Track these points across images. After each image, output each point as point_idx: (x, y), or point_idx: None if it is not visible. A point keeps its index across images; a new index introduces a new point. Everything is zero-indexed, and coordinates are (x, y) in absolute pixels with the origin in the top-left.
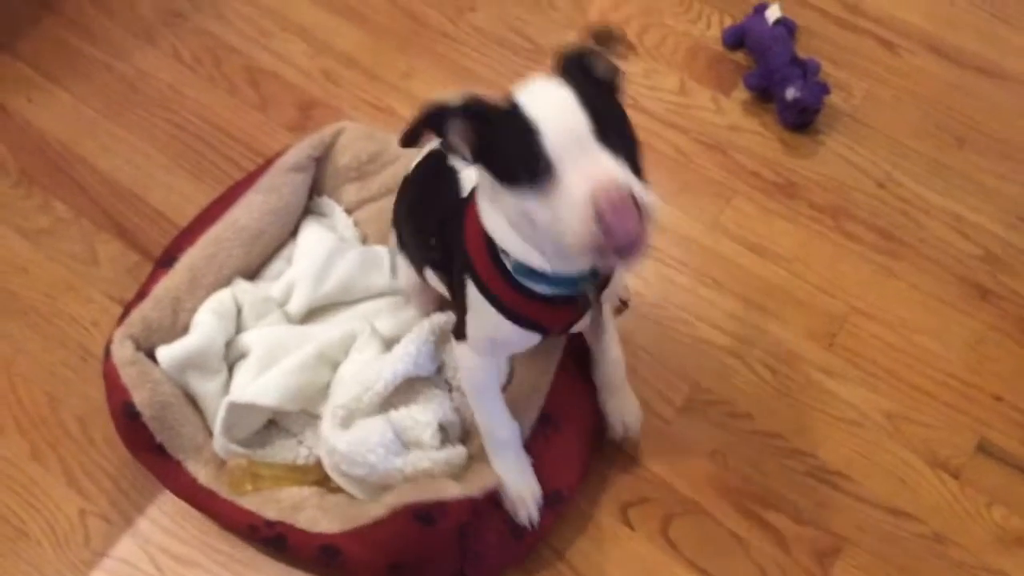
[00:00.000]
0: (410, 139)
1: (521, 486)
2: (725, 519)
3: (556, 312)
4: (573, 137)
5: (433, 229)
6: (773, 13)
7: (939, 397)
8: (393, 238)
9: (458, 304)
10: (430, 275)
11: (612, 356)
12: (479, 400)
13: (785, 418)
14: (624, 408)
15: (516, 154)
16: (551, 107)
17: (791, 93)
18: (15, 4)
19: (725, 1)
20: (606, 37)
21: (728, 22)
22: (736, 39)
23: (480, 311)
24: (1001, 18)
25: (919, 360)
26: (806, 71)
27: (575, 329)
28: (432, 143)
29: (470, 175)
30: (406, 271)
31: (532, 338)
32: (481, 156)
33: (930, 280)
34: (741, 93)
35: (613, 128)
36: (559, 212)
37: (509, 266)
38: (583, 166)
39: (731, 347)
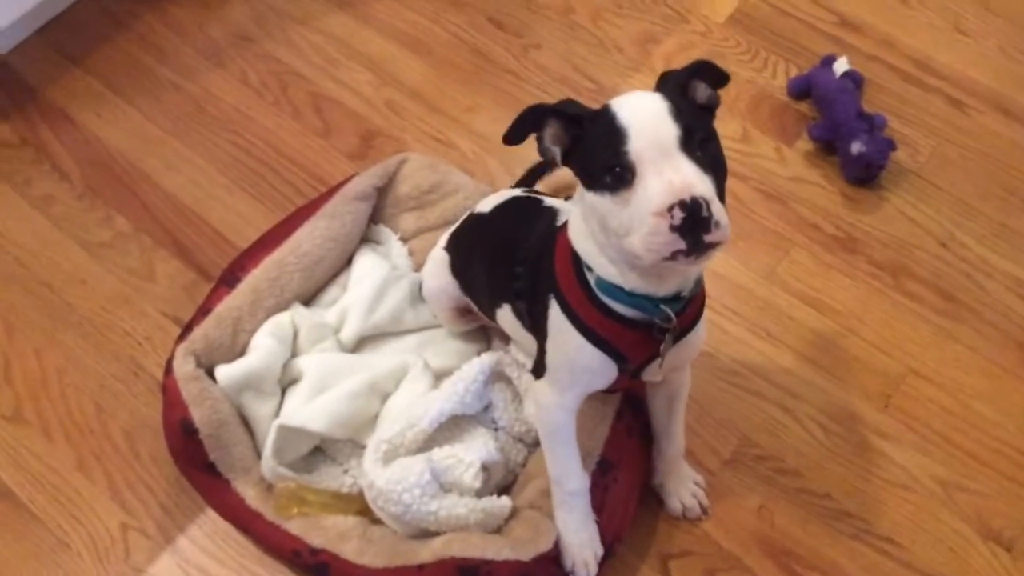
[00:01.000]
0: (513, 137)
1: (584, 544)
2: None
3: (634, 338)
4: (659, 144)
5: (521, 259)
6: (841, 66)
7: (994, 466)
8: (430, 266)
9: (539, 333)
10: (503, 315)
11: (677, 441)
12: (553, 444)
13: (835, 478)
14: (682, 488)
15: (601, 154)
16: (642, 113)
17: (856, 147)
18: (87, 20)
19: (792, 51)
20: (712, 71)
21: (794, 72)
22: (802, 90)
23: (561, 333)
24: None
25: (975, 427)
26: (872, 126)
27: (650, 376)
28: (511, 191)
29: (565, 208)
30: (433, 290)
31: (610, 369)
32: (570, 156)
33: (990, 345)
34: (804, 144)
35: (702, 146)
36: (634, 214)
37: (592, 282)
38: (665, 172)
39: (782, 402)
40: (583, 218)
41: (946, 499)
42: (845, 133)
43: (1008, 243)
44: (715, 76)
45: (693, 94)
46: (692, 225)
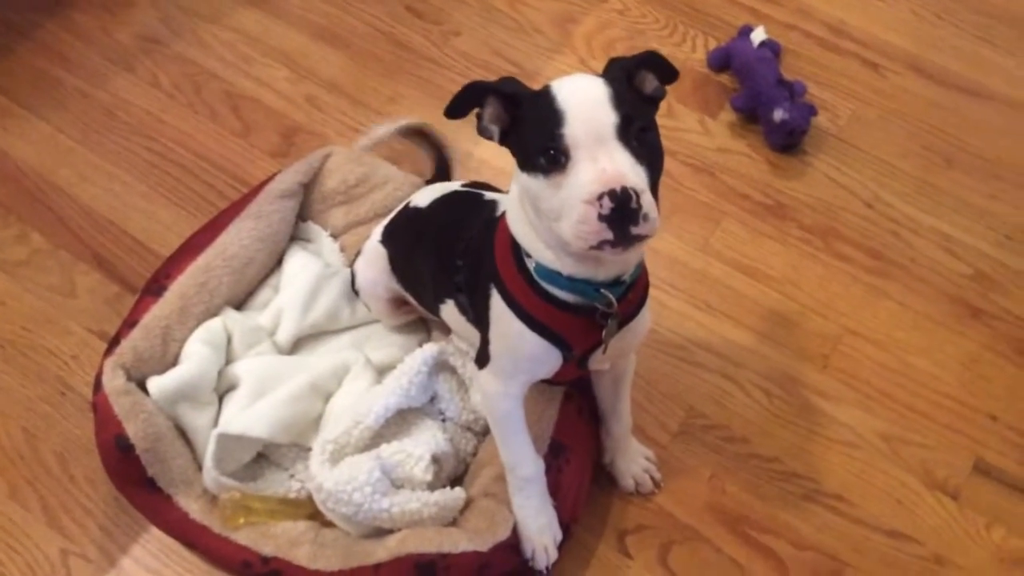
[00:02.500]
0: (453, 111)
1: (543, 529)
2: (724, 545)
3: (577, 324)
4: (595, 130)
5: (460, 251)
6: (758, 35)
7: (934, 418)
8: (363, 258)
9: (481, 322)
10: (447, 310)
11: (625, 420)
12: (503, 432)
13: (781, 441)
14: (633, 465)
15: (537, 135)
16: (581, 97)
17: (779, 115)
18: None
19: (709, 24)
20: (661, 64)
21: (713, 45)
22: (721, 61)
23: (503, 321)
24: (984, 39)
25: (913, 380)
26: (792, 93)
27: (596, 364)
28: (450, 184)
29: (506, 200)
30: (367, 283)
31: (554, 356)
32: (508, 136)
33: (921, 300)
34: (728, 115)
35: (640, 136)
36: (564, 199)
37: (531, 269)
38: (599, 159)
39: (725, 370)
40: (519, 202)
41: (890, 453)
42: (766, 101)
43: (931, 199)
44: (664, 69)
45: (640, 84)
46: (620, 216)
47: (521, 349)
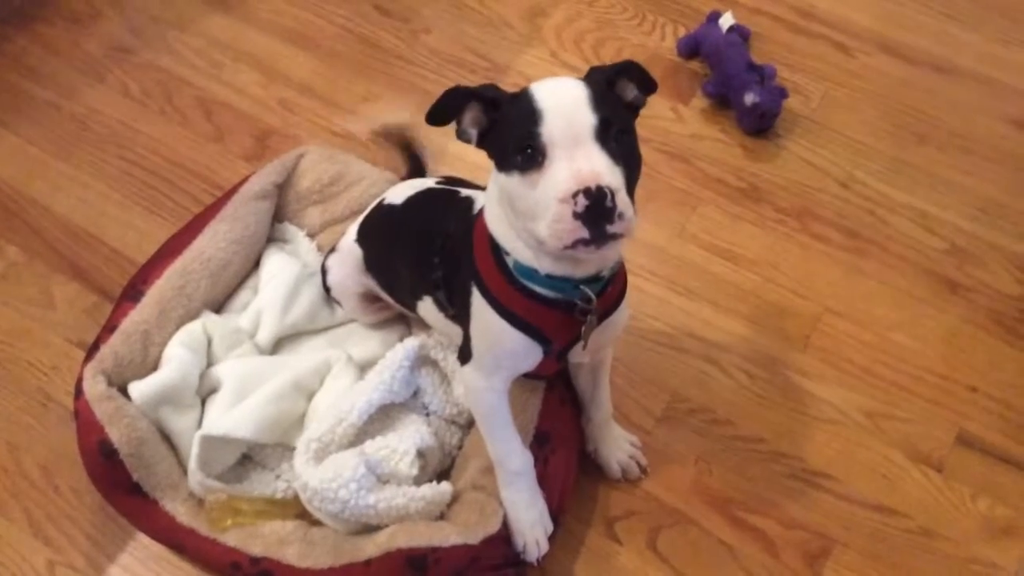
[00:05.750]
0: (434, 118)
1: (535, 522)
2: (713, 527)
3: (557, 319)
4: (573, 130)
5: (437, 249)
6: (726, 21)
7: (916, 392)
8: (333, 257)
9: (462, 319)
10: (425, 307)
11: (605, 406)
12: (489, 427)
13: (766, 422)
14: (617, 451)
15: (515, 135)
16: (560, 98)
17: (750, 98)
18: None
19: (678, 11)
20: (641, 74)
21: (682, 32)
22: (691, 48)
23: (483, 318)
24: (950, 16)
25: (894, 356)
26: (763, 76)
27: (576, 357)
28: (423, 180)
29: (482, 197)
30: (339, 279)
31: (535, 351)
32: (486, 138)
33: (899, 276)
34: (700, 101)
35: (617, 138)
36: (540, 198)
37: (511, 266)
38: (575, 159)
39: (707, 354)
40: (497, 202)
41: (874, 429)
42: (737, 86)
43: (905, 176)
44: (643, 79)
45: (621, 92)
46: (596, 214)
47: (502, 345)
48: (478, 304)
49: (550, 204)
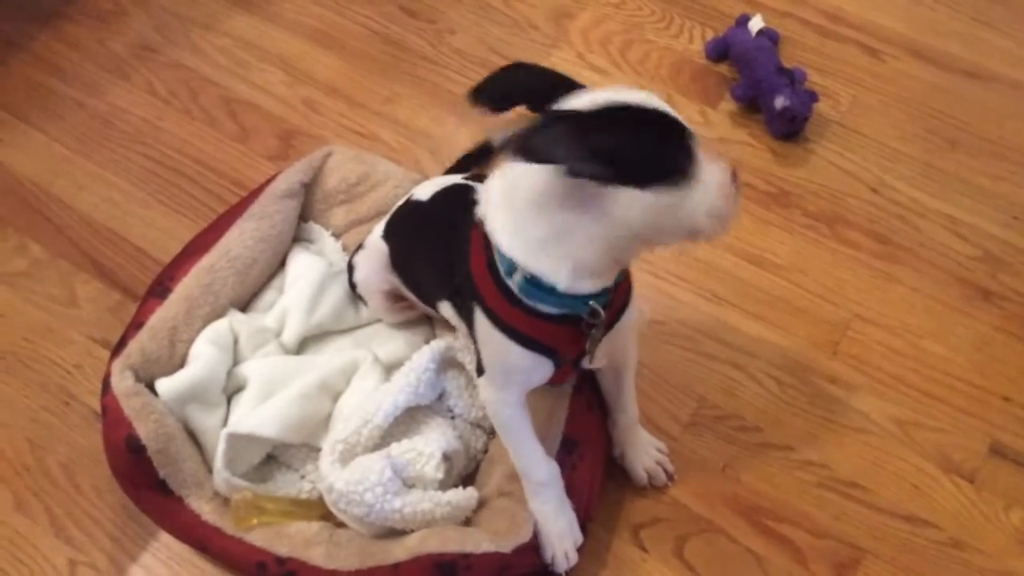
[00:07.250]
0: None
1: (564, 533)
2: (740, 536)
3: (563, 333)
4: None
5: (455, 252)
6: (756, 24)
7: (948, 401)
8: (361, 253)
9: (471, 333)
10: (445, 309)
11: (630, 410)
12: (509, 439)
13: (794, 429)
14: (644, 456)
15: (660, 151)
16: (660, 102)
17: (780, 102)
18: None
19: (705, 14)
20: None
21: (710, 35)
22: (720, 51)
23: (489, 336)
24: (982, 21)
25: (925, 364)
26: (792, 80)
27: (591, 365)
28: (453, 176)
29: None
30: (366, 276)
31: (544, 365)
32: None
33: (931, 283)
34: (728, 105)
35: None
36: (701, 198)
37: (514, 287)
38: (707, 154)
39: (735, 360)
40: (538, 224)
41: (904, 438)
42: (767, 89)
43: (936, 182)
44: None
45: None
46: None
47: (510, 361)
48: (481, 322)
49: (713, 199)
